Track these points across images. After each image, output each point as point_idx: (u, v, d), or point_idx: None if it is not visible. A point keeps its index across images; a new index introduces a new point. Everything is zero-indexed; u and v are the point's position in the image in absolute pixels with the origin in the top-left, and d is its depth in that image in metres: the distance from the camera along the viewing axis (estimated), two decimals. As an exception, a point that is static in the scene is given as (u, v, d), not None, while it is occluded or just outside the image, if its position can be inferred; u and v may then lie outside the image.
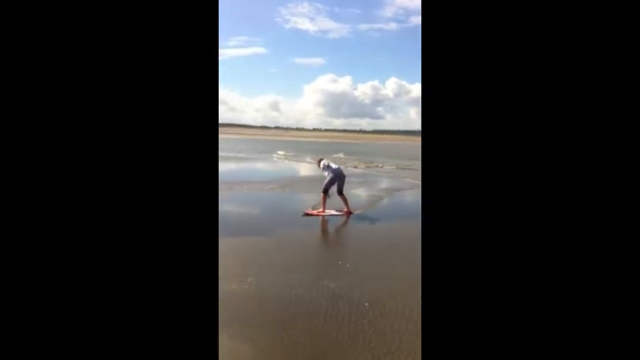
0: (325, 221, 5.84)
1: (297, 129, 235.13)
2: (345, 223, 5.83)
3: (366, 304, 2.89)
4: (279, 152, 22.68)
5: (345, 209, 6.18)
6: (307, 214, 6.05)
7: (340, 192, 6.20)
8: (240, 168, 14.24)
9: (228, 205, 6.65)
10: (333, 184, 6.15)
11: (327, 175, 6.19)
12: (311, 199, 7.21)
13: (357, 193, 8.65)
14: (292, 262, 3.89)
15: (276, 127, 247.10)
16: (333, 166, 6.35)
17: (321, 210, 6.15)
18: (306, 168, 14.75)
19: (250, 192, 8.26)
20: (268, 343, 2.37)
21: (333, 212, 6.18)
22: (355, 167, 15.37)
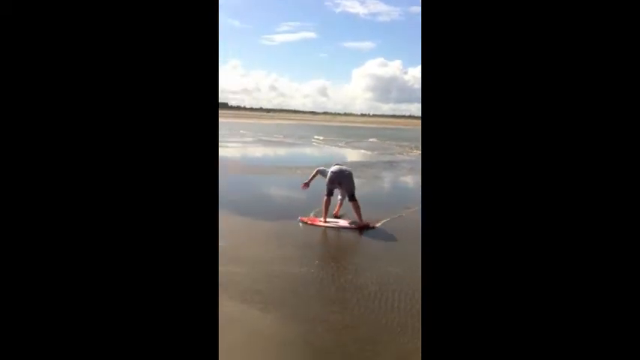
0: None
1: (345, 114, 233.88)
2: (361, 233, 4.46)
3: (415, 293, 2.86)
4: (316, 137, 22.97)
5: (358, 221, 4.63)
6: (304, 222, 4.70)
7: (352, 197, 4.67)
8: (288, 152, 14.49)
9: (276, 188, 6.80)
10: (335, 183, 4.68)
11: (327, 177, 4.74)
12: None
13: (406, 180, 8.53)
14: (345, 248, 3.92)
15: (325, 113, 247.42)
16: (333, 169, 4.76)
17: (322, 219, 4.68)
18: (350, 153, 14.71)
19: (298, 176, 8.37)
20: (319, 324, 2.43)
21: (341, 223, 4.70)
22: (403, 154, 15.07)
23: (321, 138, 22.41)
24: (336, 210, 5.00)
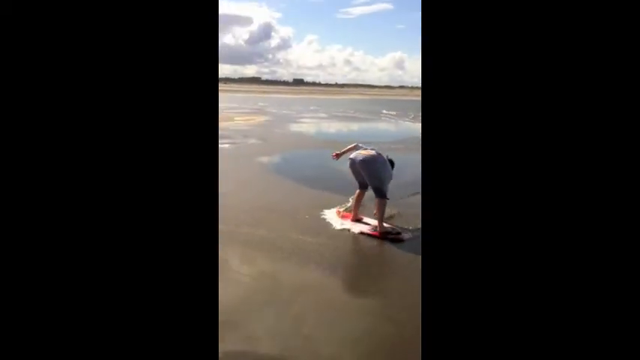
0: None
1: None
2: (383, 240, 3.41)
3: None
4: (385, 111, 22.77)
5: (378, 227, 3.50)
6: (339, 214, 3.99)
7: (377, 193, 3.51)
8: (361, 127, 14.43)
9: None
10: (358, 175, 3.66)
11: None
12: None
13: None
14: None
15: (400, 87, 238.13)
16: (352, 154, 3.66)
17: (352, 214, 3.82)
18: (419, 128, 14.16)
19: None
20: (398, 299, 2.49)
21: (368, 225, 3.66)
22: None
23: (394, 113, 22.10)
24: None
